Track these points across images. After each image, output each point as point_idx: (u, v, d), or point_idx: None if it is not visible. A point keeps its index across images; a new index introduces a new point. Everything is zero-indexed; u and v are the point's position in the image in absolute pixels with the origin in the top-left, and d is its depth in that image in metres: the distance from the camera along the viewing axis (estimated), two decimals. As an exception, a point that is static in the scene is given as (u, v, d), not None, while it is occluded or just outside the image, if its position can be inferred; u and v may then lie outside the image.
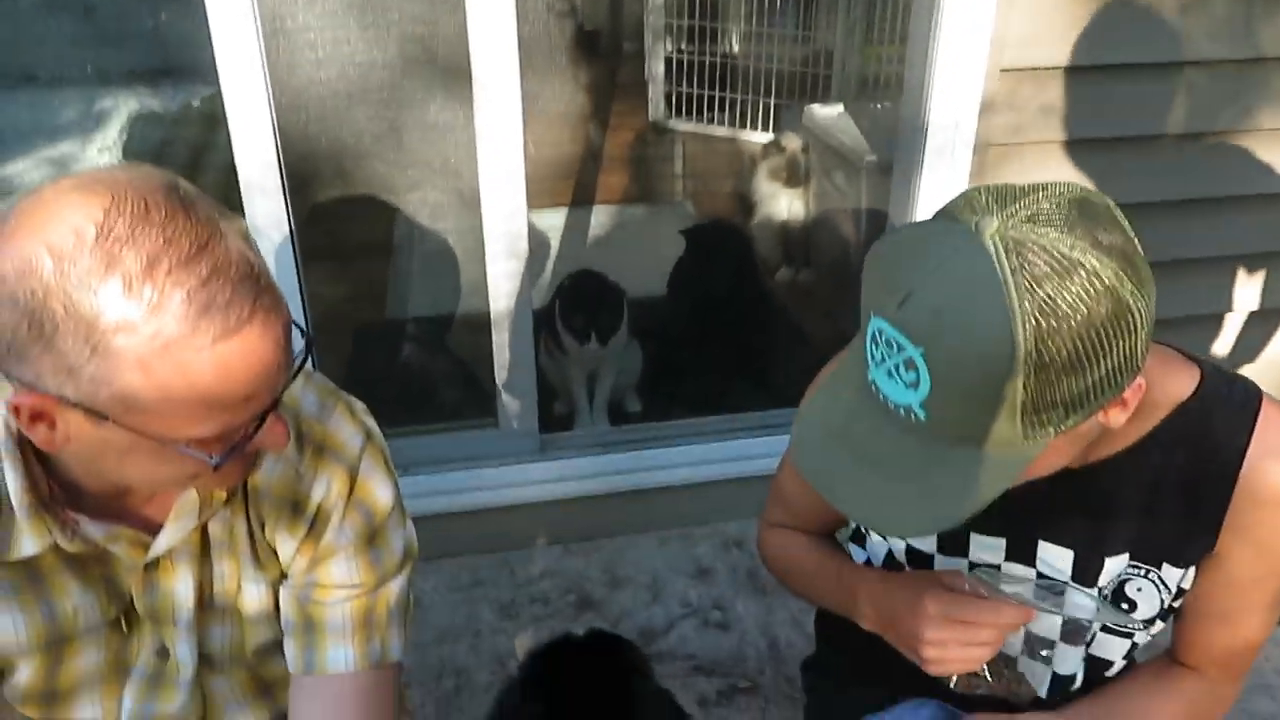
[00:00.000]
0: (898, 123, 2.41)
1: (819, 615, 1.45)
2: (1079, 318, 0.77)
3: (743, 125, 4.84)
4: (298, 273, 2.05)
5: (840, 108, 3.15)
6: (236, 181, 1.91)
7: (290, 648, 1.05)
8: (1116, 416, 0.87)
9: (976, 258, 0.78)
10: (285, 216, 1.98)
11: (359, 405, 1.07)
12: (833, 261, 3.17)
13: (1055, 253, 0.78)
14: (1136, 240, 0.83)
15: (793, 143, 3.30)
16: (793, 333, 3.14)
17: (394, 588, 1.06)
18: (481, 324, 2.28)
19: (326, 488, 0.99)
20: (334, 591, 1.02)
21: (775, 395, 2.62)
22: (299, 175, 1.96)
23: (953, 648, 1.00)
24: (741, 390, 2.74)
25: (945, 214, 0.84)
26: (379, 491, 1.03)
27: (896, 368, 0.82)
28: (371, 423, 1.06)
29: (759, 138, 4.79)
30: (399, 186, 2.09)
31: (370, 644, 1.05)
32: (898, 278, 0.81)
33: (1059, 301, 0.77)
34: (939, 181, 2.28)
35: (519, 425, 2.41)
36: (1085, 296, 0.77)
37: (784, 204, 3.42)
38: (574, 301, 2.54)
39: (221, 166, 1.91)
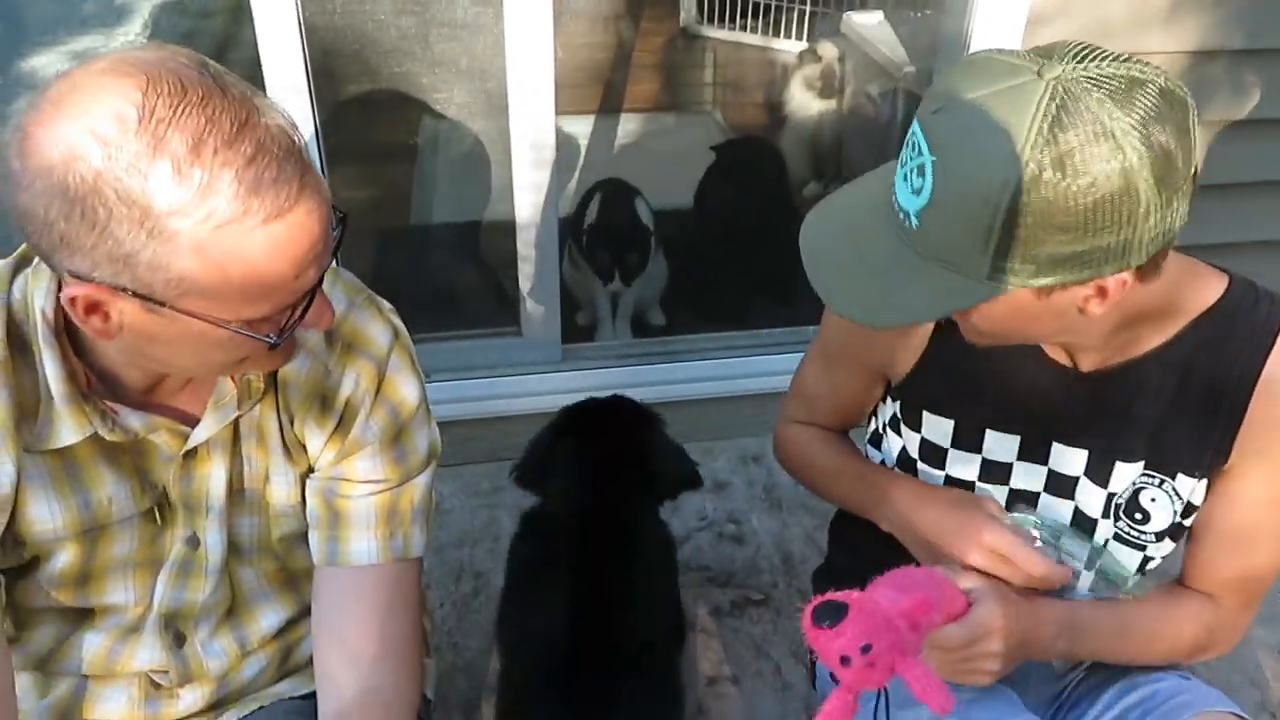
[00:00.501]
0: (939, 34, 2.33)
1: (834, 522, 1.46)
2: (1082, 182, 0.78)
3: (775, 33, 4.69)
4: (322, 173, 2.02)
5: (880, 16, 3.03)
6: (261, 77, 1.87)
7: (315, 540, 1.07)
8: (1094, 306, 0.87)
9: (1024, 94, 0.80)
10: (311, 114, 1.95)
11: (386, 304, 1.07)
12: (860, 165, 3.11)
13: (1096, 118, 0.78)
14: (1196, 153, 0.83)
15: (828, 51, 3.20)
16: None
17: (418, 484, 1.07)
18: (506, 231, 2.26)
19: (355, 383, 1.00)
20: (359, 486, 1.03)
21: (799, 313, 2.59)
22: (325, 73, 1.92)
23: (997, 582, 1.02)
24: (765, 306, 2.71)
25: (1031, 51, 0.85)
26: (405, 389, 1.04)
27: (911, 172, 0.86)
28: (399, 321, 1.07)
29: (793, 47, 4.65)
30: (425, 87, 2.04)
31: (393, 538, 1.06)
32: (951, 87, 0.84)
33: (1072, 159, 0.78)
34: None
35: (542, 334, 2.40)
36: (1099, 166, 0.78)
37: (816, 115, 3.32)
38: (600, 236, 2.50)
39: (246, 62, 1.87)
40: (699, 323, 2.68)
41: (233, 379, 0.97)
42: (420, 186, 2.25)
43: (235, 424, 0.99)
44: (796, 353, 2.53)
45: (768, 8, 4.69)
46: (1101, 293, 0.86)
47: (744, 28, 4.78)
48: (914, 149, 0.86)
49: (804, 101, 3.33)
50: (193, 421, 0.97)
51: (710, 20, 4.84)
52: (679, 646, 1.62)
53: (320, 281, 0.85)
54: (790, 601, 2.10)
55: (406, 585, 1.09)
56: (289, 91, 1.90)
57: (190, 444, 0.97)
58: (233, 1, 1.95)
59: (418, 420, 1.06)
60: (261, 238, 0.76)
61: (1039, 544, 1.06)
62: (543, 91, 2.06)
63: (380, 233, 2.29)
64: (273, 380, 0.99)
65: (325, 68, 1.90)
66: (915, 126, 0.86)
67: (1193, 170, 0.83)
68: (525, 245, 2.28)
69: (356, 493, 1.04)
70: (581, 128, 3.98)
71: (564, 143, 3.92)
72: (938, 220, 0.85)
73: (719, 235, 2.78)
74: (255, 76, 1.84)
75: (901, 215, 0.88)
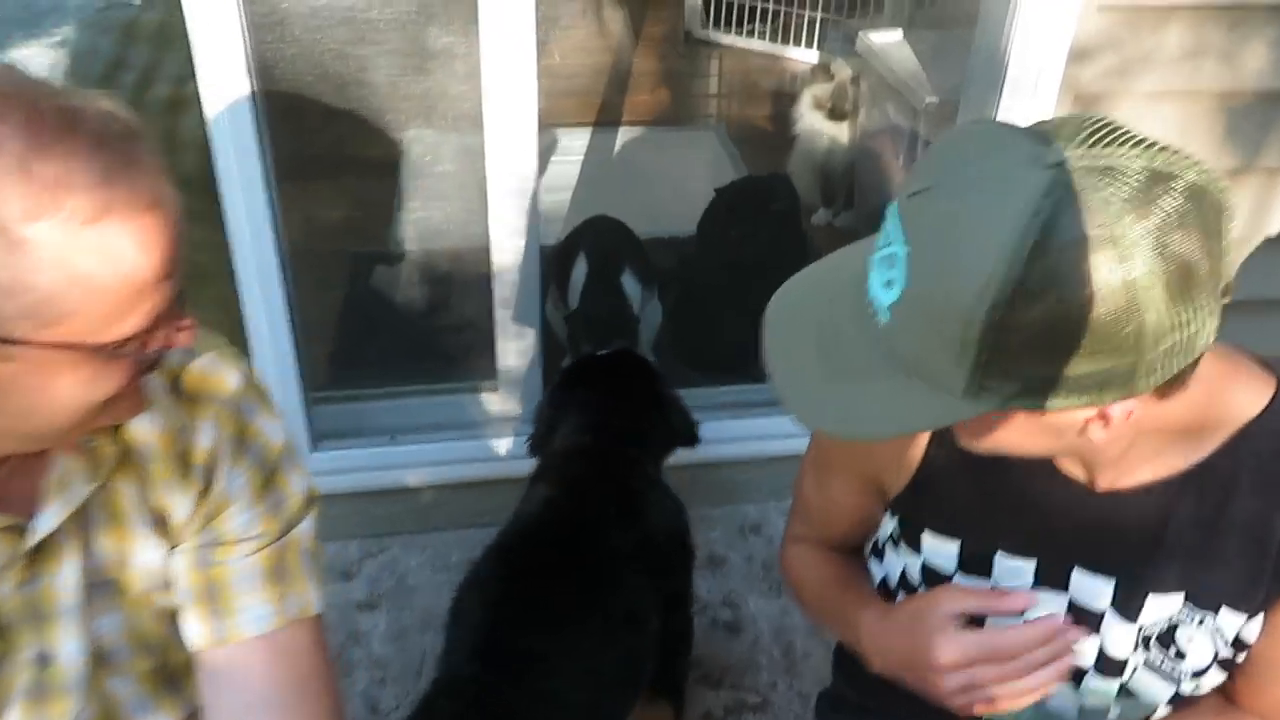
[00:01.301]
0: (968, 60, 2.08)
1: (837, 643, 1.28)
2: (1076, 298, 0.66)
3: (785, 40, 4.45)
4: (274, 213, 1.78)
5: (899, 34, 2.77)
6: (202, 118, 1.63)
7: (195, 621, 0.93)
8: (1096, 431, 0.76)
9: (1017, 184, 0.67)
10: (259, 155, 1.70)
11: (228, 345, 0.97)
12: (878, 206, 2.86)
13: (1100, 221, 0.66)
14: (1228, 262, 0.70)
15: (842, 70, 2.95)
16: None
17: (302, 533, 0.97)
18: (481, 275, 2.02)
19: (213, 433, 0.91)
20: (236, 547, 0.92)
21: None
22: (277, 109, 1.68)
23: (994, 687, 0.87)
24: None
25: (1033, 127, 0.73)
26: (268, 430, 0.95)
27: (884, 261, 0.74)
28: (244, 363, 0.97)
29: (802, 55, 4.40)
30: (390, 123, 1.79)
31: (286, 599, 0.94)
32: (935, 166, 0.74)
33: (1062, 270, 0.66)
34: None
35: (521, 389, 2.16)
36: (1099, 278, 0.66)
37: (826, 138, 3.08)
38: (581, 325, 2.28)
39: (184, 101, 1.64)
40: (696, 374, 2.44)
41: (74, 448, 0.84)
42: (387, 229, 2.01)
43: (83, 505, 0.86)
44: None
45: (776, 12, 4.44)
46: (1104, 418, 0.75)
47: (751, 33, 4.53)
48: (888, 234, 0.74)
49: (813, 122, 3.09)
50: (29, 511, 0.83)
51: (716, 24, 4.59)
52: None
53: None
54: (790, 708, 1.87)
55: (310, 649, 0.97)
56: (234, 129, 1.66)
57: (35, 539, 0.83)
58: (166, 27, 1.70)
59: (287, 462, 0.96)
60: (130, 231, 0.68)
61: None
62: (524, 127, 1.82)
63: (340, 278, 2.05)
64: (121, 446, 0.87)
65: (277, 103, 1.66)
66: (892, 208, 0.74)
67: (1222, 284, 0.70)
68: (503, 291, 2.04)
69: (234, 555, 0.92)
70: (576, 141, 3.73)
71: (557, 158, 3.72)
72: (909, 323, 0.73)
73: (720, 280, 2.53)
74: (195, 116, 1.60)
75: (873, 309, 0.76)
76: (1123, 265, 0.66)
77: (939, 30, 2.93)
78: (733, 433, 2.24)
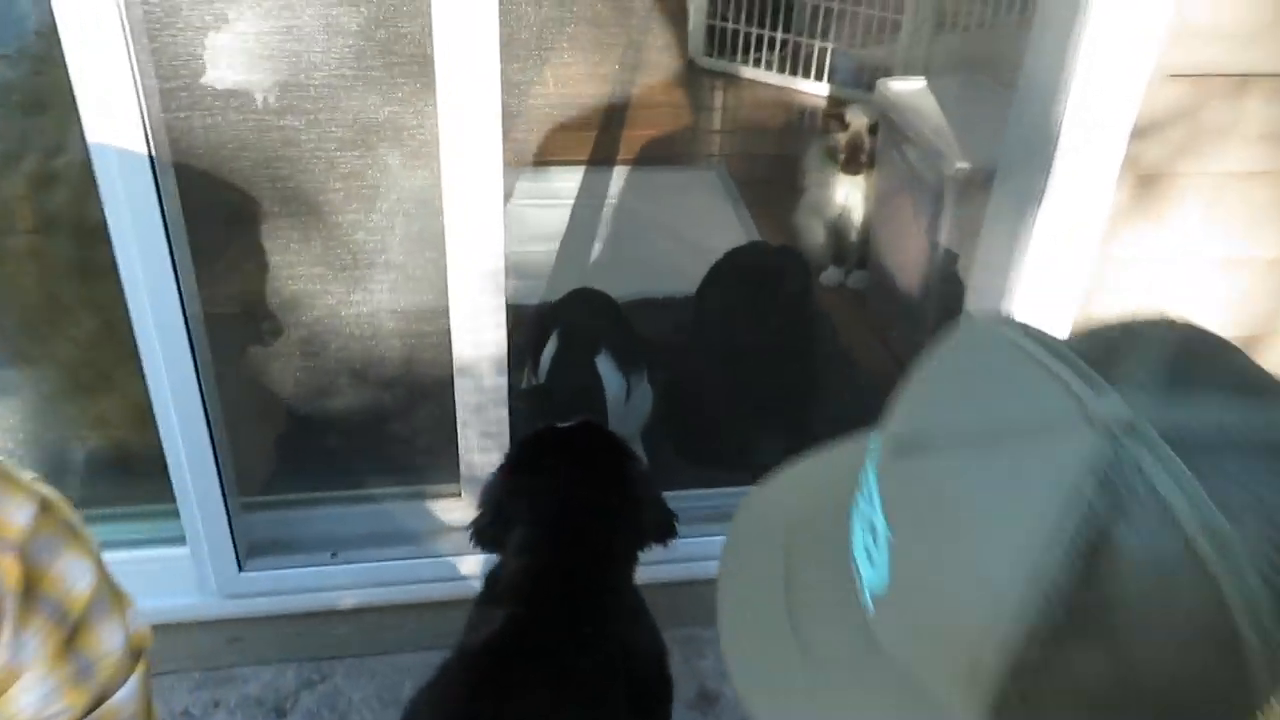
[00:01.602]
0: (1009, 129, 1.80)
1: None
2: (1134, 654, 0.44)
3: (793, 71, 4.17)
4: (184, 307, 1.50)
5: (922, 82, 2.49)
6: (98, 199, 1.35)
7: None
8: None
9: (1048, 458, 0.44)
10: (166, 248, 1.42)
11: (22, 470, 0.79)
12: (894, 269, 2.57)
13: (1176, 521, 0.42)
14: None
15: (857, 119, 2.67)
16: (839, 363, 2.56)
17: (120, 702, 0.79)
18: (442, 368, 1.74)
19: None
20: None
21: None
22: (189, 189, 1.40)
23: None
24: (772, 450, 2.19)
25: (1081, 343, 0.49)
26: (69, 574, 0.77)
27: (864, 519, 0.53)
28: (48, 490, 0.79)
29: (811, 88, 4.13)
30: (325, 206, 1.51)
31: None
32: (930, 404, 0.53)
33: (1117, 607, 0.43)
34: (1059, 220, 1.67)
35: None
36: (1168, 619, 0.43)
37: (839, 192, 2.80)
38: (551, 371, 2.00)
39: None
40: (690, 470, 2.16)
41: None
42: (328, 313, 1.72)
43: None
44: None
45: (784, 41, 4.17)
46: None
47: (758, 62, 4.26)
48: (869, 498, 0.53)
49: (824, 175, 2.81)
50: None
51: (720, 52, 4.32)
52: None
53: None
54: None
55: None
56: (133, 214, 1.37)
57: None
58: (36, 87, 1.41)
59: (97, 611, 0.78)
60: None
61: None
62: (489, 208, 1.54)
63: (276, 366, 1.76)
64: None
65: (190, 182, 1.38)
66: (871, 462, 0.54)
67: None
68: (466, 389, 1.76)
69: None
70: (568, 182, 3.46)
71: (547, 201, 3.45)
72: (897, 631, 0.52)
73: (718, 362, 2.24)
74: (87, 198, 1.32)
75: (856, 575, 0.54)
76: (1205, 588, 0.42)
77: (965, 75, 2.65)
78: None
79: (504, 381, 1.77)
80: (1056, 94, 1.59)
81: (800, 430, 2.31)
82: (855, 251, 2.87)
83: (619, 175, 3.57)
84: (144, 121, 1.29)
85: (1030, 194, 1.70)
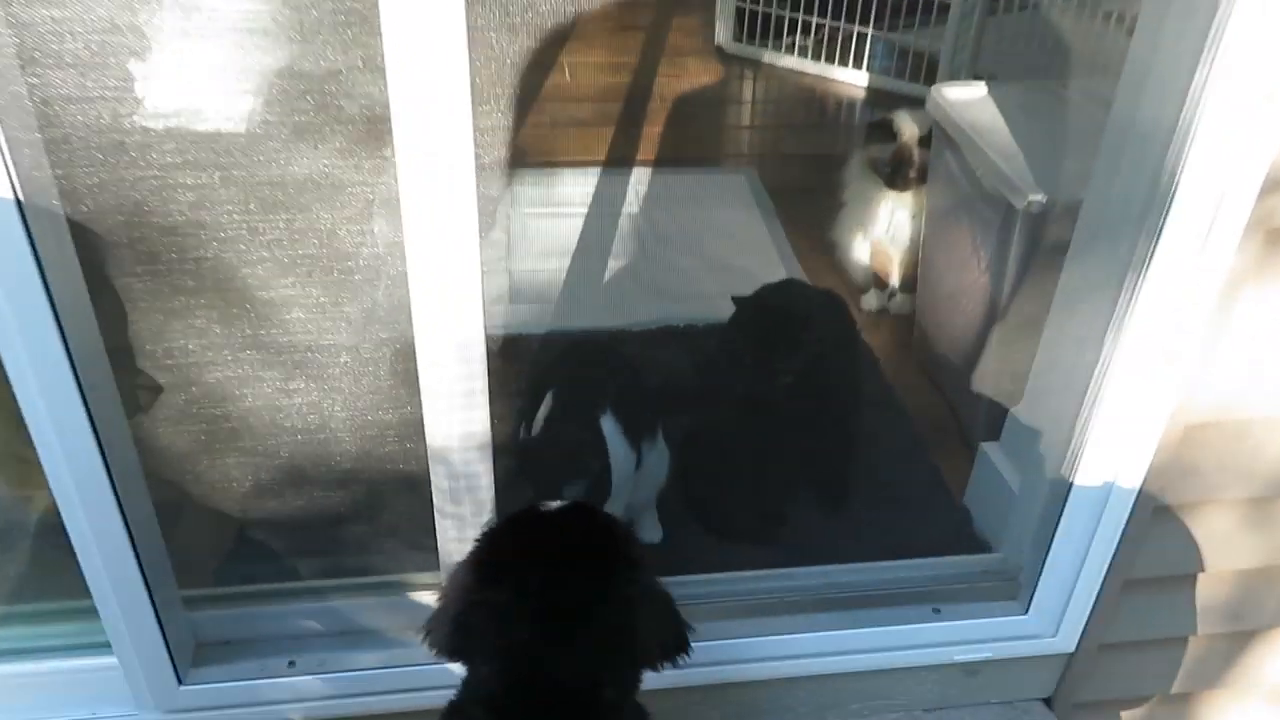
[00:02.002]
0: (1097, 171, 1.48)
1: None
2: None
3: (829, 59, 3.83)
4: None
5: (982, 90, 2.16)
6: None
7: None
8: None
9: None
10: (56, 336, 1.15)
11: None
12: (945, 296, 2.26)
13: None
14: None
15: (908, 129, 2.34)
16: (885, 410, 2.25)
17: None
18: (411, 447, 1.47)
19: None
20: None
21: (880, 530, 1.80)
22: (88, 259, 1.13)
23: None
24: (807, 519, 1.90)
25: None
26: None
27: None
28: None
29: (849, 77, 3.79)
30: (250, 280, 1.22)
31: None
32: None
33: None
34: (1166, 282, 1.36)
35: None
36: None
37: (883, 209, 2.48)
38: (545, 427, 1.71)
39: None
40: (713, 542, 1.88)
41: None
42: (266, 409, 1.44)
43: None
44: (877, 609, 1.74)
45: (819, 26, 3.83)
46: None
47: (790, 48, 3.92)
48: None
49: (865, 188, 2.49)
50: None
51: (750, 38, 3.98)
52: None
53: None
54: None
55: None
56: (12, 300, 1.10)
57: None
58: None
59: None
60: None
61: None
62: (466, 278, 1.25)
63: (218, 445, 1.49)
64: None
65: (89, 253, 1.10)
66: None
67: None
68: (442, 474, 1.48)
69: None
70: (580, 187, 3.15)
71: (555, 208, 3.15)
72: None
73: (747, 414, 1.94)
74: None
75: None
76: None
77: (1031, 80, 2.31)
78: (758, 650, 1.67)
79: (488, 465, 1.49)
80: (1174, 138, 1.27)
81: (839, 494, 2.03)
82: (900, 274, 2.55)
83: (637, 179, 3.26)
84: (12, 181, 1.01)
85: (1121, 242, 1.39)
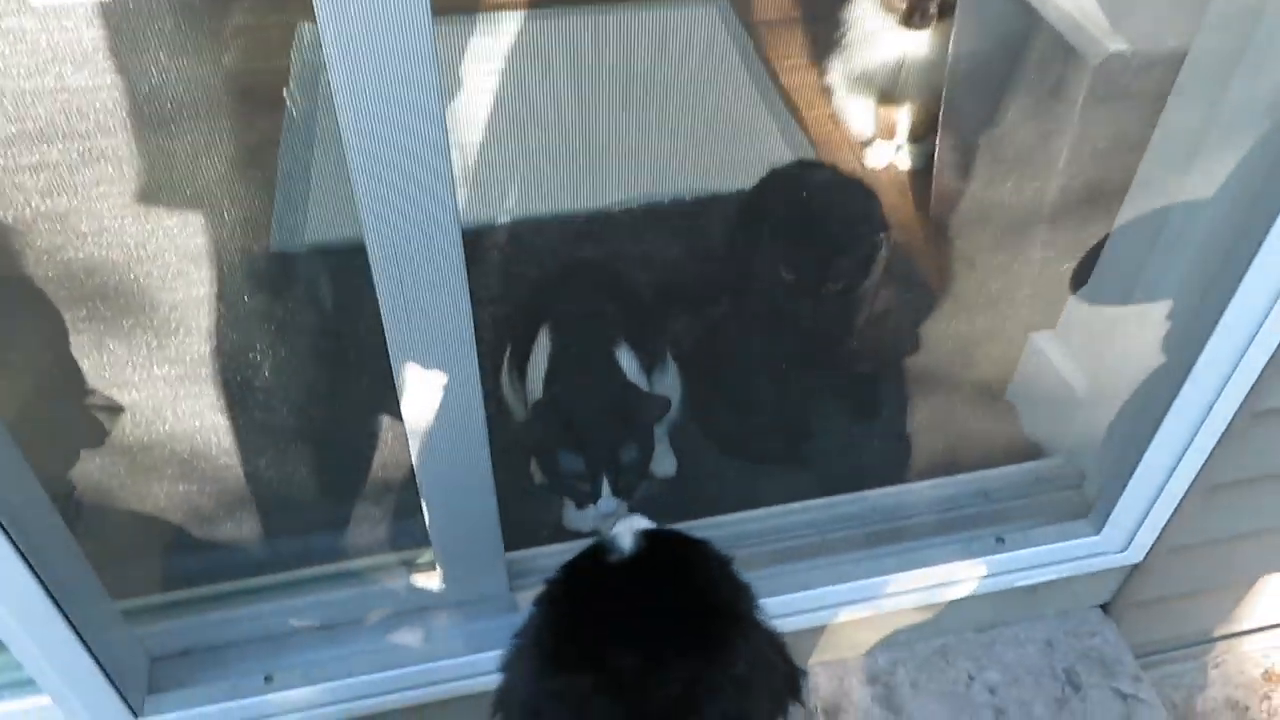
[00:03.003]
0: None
1: None
2: None
3: None
4: None
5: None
6: None
7: None
8: None
9: None
10: None
11: None
12: (965, 146, 1.96)
13: None
14: None
15: (924, -50, 1.96)
16: (906, 281, 1.99)
17: None
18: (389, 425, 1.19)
19: None
20: None
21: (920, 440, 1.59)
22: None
23: None
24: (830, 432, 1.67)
25: None
26: None
27: None
28: None
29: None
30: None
31: None
32: None
33: None
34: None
35: (473, 555, 1.37)
36: None
37: (895, 48, 2.13)
38: (553, 379, 1.40)
39: None
40: (734, 472, 1.65)
41: None
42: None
43: None
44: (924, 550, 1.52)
45: None
46: None
47: None
48: None
49: (874, 27, 2.13)
50: None
51: None
52: None
53: None
54: None
55: None
56: None
57: None
58: None
59: None
60: None
61: None
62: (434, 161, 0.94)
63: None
64: None
65: None
66: None
67: None
68: (423, 453, 1.21)
69: None
70: (524, 33, 2.71)
71: (497, 60, 2.71)
72: None
73: (760, 317, 1.67)
74: None
75: None
76: None
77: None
78: (796, 605, 1.47)
79: (484, 452, 1.21)
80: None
81: (870, 402, 1.79)
82: (913, 122, 2.23)
83: (590, 20, 2.82)
84: None
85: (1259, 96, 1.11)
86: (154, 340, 0.96)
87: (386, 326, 1.06)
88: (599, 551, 0.92)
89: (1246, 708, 1.79)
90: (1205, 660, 1.83)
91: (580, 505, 1.38)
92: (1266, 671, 1.83)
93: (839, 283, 1.46)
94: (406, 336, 1.08)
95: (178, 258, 1.07)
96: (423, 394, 1.14)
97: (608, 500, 1.34)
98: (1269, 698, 1.80)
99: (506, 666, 0.92)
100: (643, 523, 0.98)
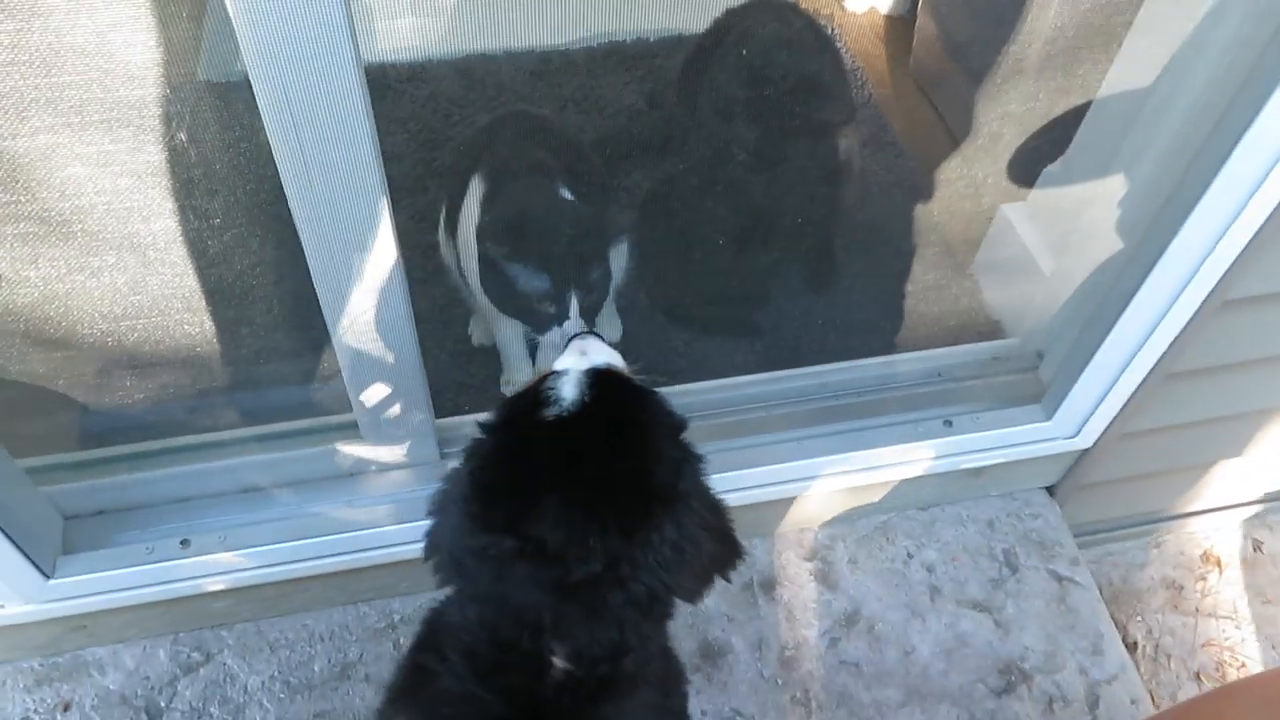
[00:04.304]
0: None
1: None
2: None
3: None
4: None
5: None
6: None
7: None
8: None
9: None
10: None
11: None
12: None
13: None
14: None
15: None
16: (877, 142, 1.88)
17: None
18: (298, 289, 1.11)
19: None
20: None
21: (876, 311, 1.51)
22: None
23: None
24: (786, 301, 1.60)
25: None
26: None
27: None
28: None
29: None
30: None
31: None
32: None
33: None
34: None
35: (401, 421, 1.31)
36: None
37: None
38: (515, 249, 1.29)
39: None
40: (683, 340, 1.58)
41: None
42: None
43: None
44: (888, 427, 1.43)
45: None
46: None
47: None
48: None
49: None
50: None
51: None
52: None
53: None
54: None
55: None
56: None
57: None
58: None
59: None
60: None
61: None
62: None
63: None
64: None
65: None
66: None
67: None
68: (336, 315, 1.13)
69: None
70: None
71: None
72: None
73: (717, 176, 1.56)
74: None
75: None
76: None
77: None
78: (744, 480, 1.43)
79: (404, 301, 1.13)
80: None
81: (825, 268, 1.71)
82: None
83: None
84: None
85: None
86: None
87: (284, 179, 0.96)
88: (537, 400, 0.85)
89: (1181, 587, 1.81)
90: (1146, 540, 1.84)
91: (542, 329, 1.30)
92: (1205, 553, 1.84)
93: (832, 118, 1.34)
94: (307, 193, 0.98)
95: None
96: (331, 257, 1.05)
97: (575, 321, 1.26)
98: (1204, 578, 1.82)
99: (435, 511, 0.86)
100: (600, 347, 0.92)
